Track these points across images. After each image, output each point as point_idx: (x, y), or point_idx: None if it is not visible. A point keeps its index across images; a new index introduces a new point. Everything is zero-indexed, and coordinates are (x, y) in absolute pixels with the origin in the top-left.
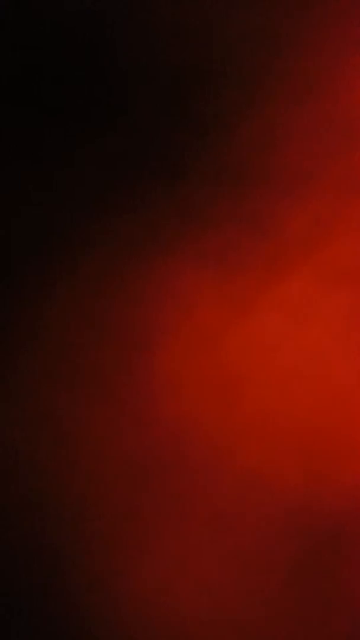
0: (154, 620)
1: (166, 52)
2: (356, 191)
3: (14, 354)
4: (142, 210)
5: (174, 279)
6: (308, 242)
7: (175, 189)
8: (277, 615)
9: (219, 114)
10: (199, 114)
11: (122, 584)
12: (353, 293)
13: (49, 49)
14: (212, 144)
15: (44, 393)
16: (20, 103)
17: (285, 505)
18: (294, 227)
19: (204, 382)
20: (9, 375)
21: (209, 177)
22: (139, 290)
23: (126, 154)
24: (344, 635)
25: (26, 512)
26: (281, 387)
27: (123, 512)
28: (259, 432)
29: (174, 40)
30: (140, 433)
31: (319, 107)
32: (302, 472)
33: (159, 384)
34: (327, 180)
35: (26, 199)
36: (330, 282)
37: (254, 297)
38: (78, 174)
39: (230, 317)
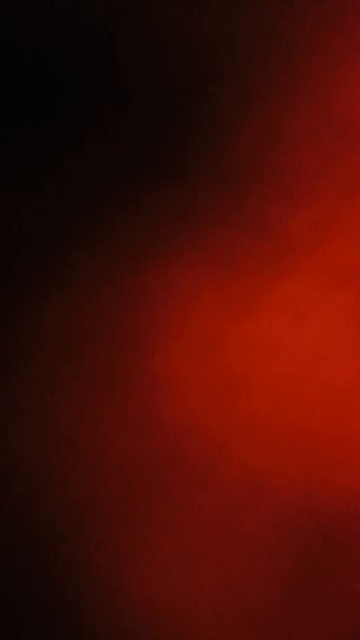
0: (153, 622)
1: (166, 55)
2: (356, 192)
3: (13, 357)
4: (142, 213)
5: (174, 281)
6: (308, 243)
7: (175, 191)
8: (277, 617)
9: (219, 116)
10: (198, 116)
11: (122, 586)
12: (353, 294)
13: (48, 52)
14: (211, 146)
15: (44, 396)
16: (18, 108)
17: (286, 507)
18: (294, 229)
19: (205, 383)
20: (9, 378)
21: (208, 179)
22: (139, 292)
23: (125, 156)
24: (345, 638)
25: (24, 515)
26: (282, 388)
27: (123, 514)
28: (259, 434)
29: (174, 43)
30: (141, 435)
31: (319, 109)
32: (302, 474)
33: (159, 386)
34: (327, 181)
35: (25, 202)
36: (331, 283)
37: (255, 298)
38: (77, 176)
39: (231, 319)
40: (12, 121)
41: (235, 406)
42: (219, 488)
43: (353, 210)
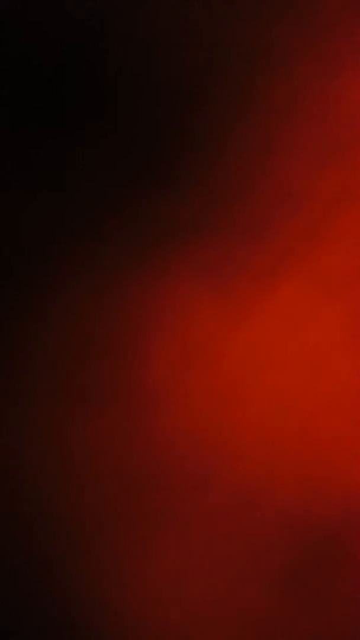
0: (152, 627)
1: (159, 66)
2: (349, 200)
3: (12, 366)
4: (137, 222)
5: (170, 290)
6: (302, 252)
7: (169, 201)
8: (274, 621)
9: (212, 127)
10: (192, 126)
11: (120, 592)
12: (349, 301)
13: (46, 61)
14: (205, 157)
15: (41, 398)
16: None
17: (283, 512)
18: (289, 237)
19: (202, 392)
20: (9, 378)
21: (202, 189)
22: (135, 301)
23: (120, 166)
24: (345, 638)
25: (25, 523)
26: (279, 395)
27: (121, 521)
28: (256, 441)
29: (167, 54)
30: (139, 443)
31: (312, 119)
32: (299, 480)
33: (157, 394)
34: (321, 190)
35: (22, 210)
36: (327, 290)
37: (251, 306)
38: (73, 186)
39: (227, 327)
40: (8, 130)
41: (233, 414)
42: (218, 494)
43: (346, 218)
